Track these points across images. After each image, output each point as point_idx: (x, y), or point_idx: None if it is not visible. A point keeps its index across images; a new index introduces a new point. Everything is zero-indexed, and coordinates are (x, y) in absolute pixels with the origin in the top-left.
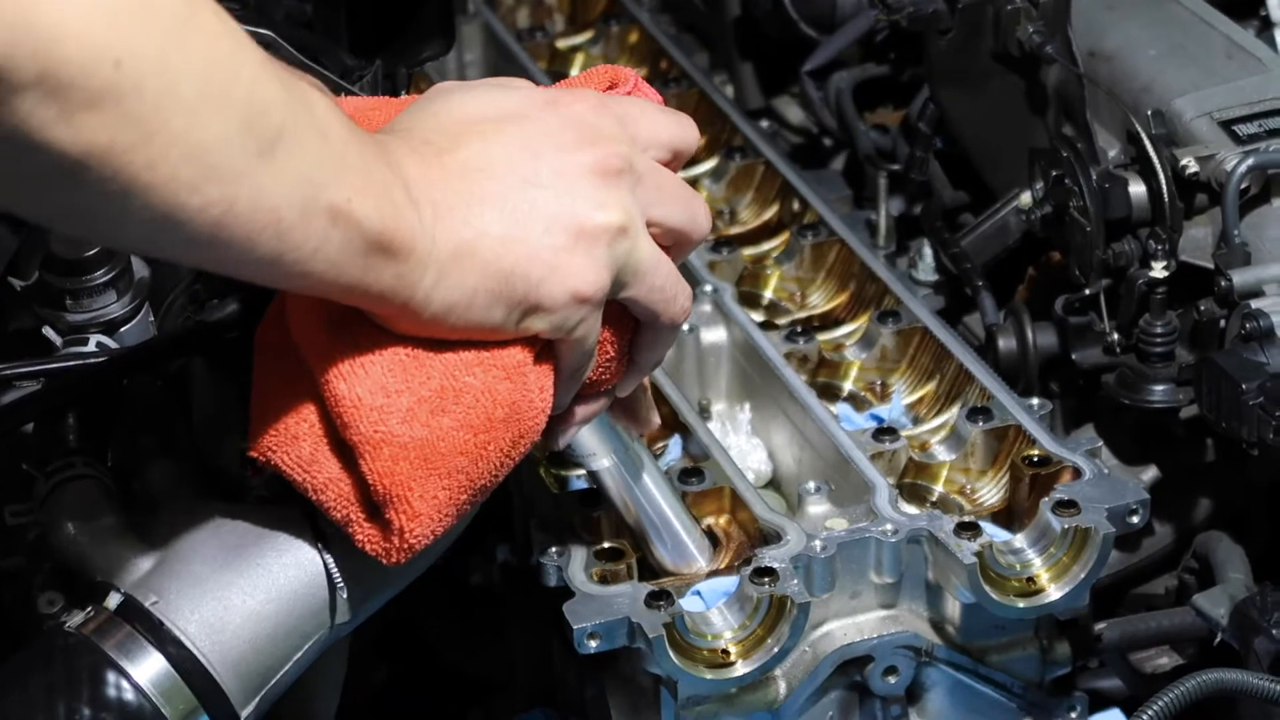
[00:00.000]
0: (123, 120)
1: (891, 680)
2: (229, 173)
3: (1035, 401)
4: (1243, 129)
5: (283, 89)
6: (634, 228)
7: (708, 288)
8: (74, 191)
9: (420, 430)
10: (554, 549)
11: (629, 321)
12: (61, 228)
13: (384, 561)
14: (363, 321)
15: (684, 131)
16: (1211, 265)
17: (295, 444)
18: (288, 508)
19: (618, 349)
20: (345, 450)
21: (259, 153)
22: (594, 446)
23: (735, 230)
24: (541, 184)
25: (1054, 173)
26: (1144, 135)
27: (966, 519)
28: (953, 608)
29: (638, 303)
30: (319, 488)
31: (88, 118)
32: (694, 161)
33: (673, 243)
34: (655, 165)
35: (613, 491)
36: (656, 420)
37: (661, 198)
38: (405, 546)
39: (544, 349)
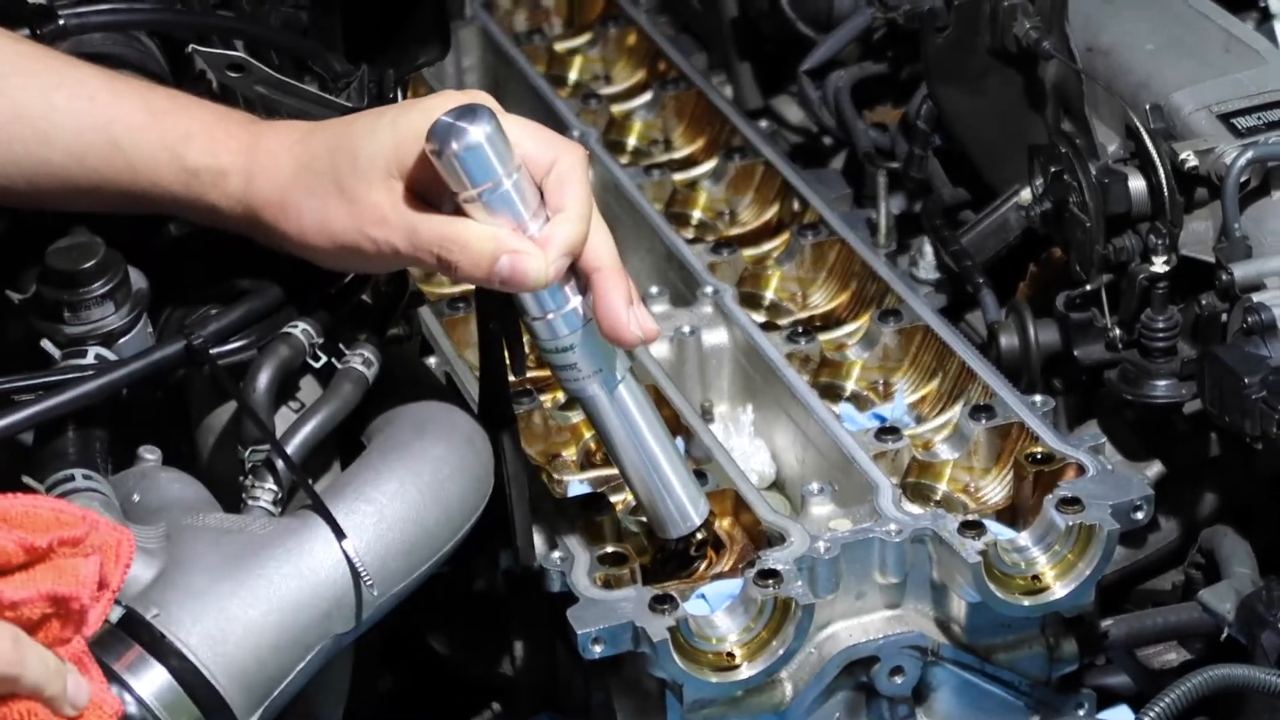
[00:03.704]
0: None
1: (898, 680)
2: None
3: (1038, 399)
4: (1242, 122)
5: None
6: None
7: (708, 289)
8: None
9: None
10: (557, 554)
11: None
12: None
13: None
14: None
15: None
16: (1212, 259)
17: None
18: (288, 518)
19: None
20: None
21: None
22: (586, 368)
23: (735, 231)
24: None
25: (1053, 169)
26: (1143, 130)
27: (970, 517)
28: (958, 607)
29: None
30: None
31: None
32: (694, 163)
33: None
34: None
35: (605, 416)
36: (637, 331)
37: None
38: None
39: None
